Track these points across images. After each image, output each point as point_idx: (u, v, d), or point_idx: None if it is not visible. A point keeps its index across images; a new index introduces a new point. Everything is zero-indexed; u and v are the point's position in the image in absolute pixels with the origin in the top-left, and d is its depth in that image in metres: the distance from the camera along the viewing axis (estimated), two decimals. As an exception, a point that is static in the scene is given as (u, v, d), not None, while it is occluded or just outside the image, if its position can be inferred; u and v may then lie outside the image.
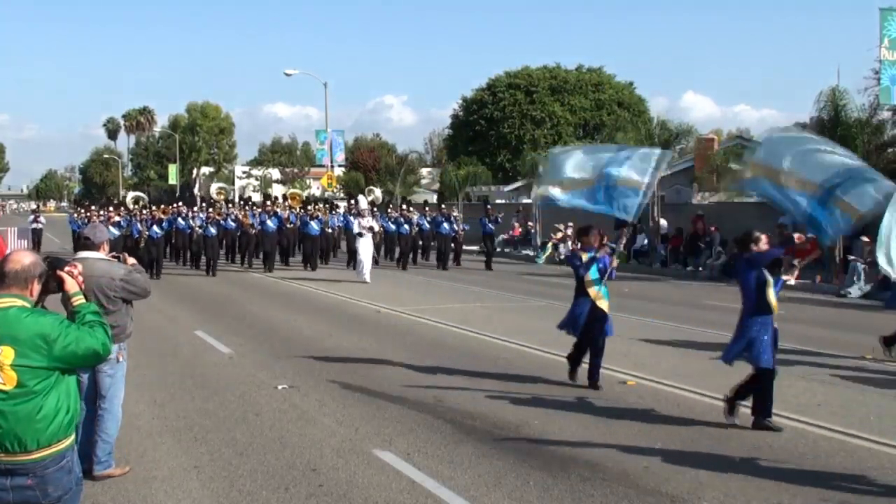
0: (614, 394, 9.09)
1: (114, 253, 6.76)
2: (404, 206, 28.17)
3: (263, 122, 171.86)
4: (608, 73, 58.28)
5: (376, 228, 23.53)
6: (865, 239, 20.35)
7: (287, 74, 42.08)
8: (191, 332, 13.46)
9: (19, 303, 3.73)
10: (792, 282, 22.36)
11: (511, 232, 33.73)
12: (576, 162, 9.90)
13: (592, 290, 9.48)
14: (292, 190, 33.89)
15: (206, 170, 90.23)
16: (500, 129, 54.49)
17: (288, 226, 26.52)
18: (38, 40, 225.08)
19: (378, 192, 33.93)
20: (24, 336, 3.61)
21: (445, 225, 26.63)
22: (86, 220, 26.30)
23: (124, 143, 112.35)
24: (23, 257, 3.83)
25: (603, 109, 55.44)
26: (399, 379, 9.77)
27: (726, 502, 5.86)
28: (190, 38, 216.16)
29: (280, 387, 9.36)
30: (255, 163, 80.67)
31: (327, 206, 29.29)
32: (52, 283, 3.97)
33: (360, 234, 21.82)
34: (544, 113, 54.17)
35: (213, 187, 42.72)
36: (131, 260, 6.65)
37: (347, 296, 18.41)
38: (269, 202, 27.95)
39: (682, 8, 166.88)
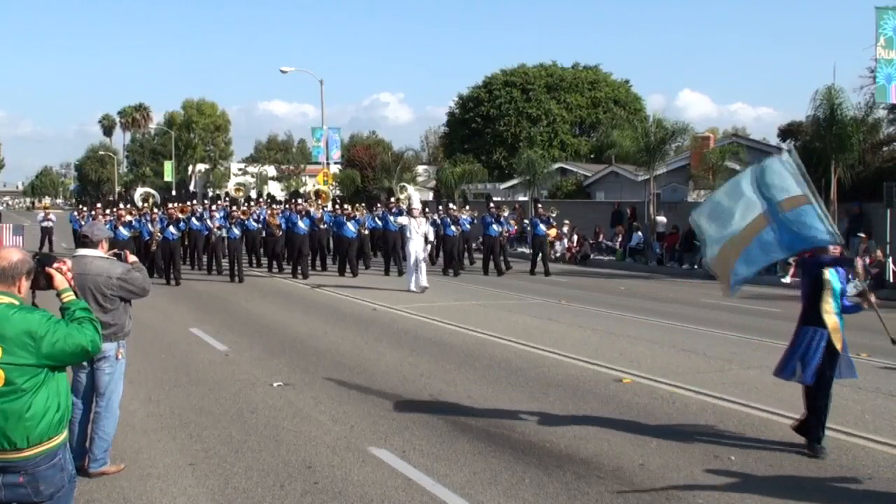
0: (610, 392, 9.09)
1: (115, 250, 6.73)
2: (451, 206, 25.37)
3: (260, 120, 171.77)
4: (604, 72, 58.42)
5: (431, 237, 20.38)
6: (863, 236, 20.42)
7: (283, 72, 42.03)
8: (186, 329, 13.45)
9: (6, 300, 3.71)
10: (787, 280, 22.57)
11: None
12: (722, 211, 7.54)
13: (830, 316, 7.12)
14: (319, 187, 29.49)
15: (201, 167, 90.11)
16: (497, 126, 54.55)
17: (321, 226, 23.72)
18: (35, 37, 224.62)
19: (411, 190, 30.90)
20: (12, 333, 3.60)
21: (495, 226, 23.64)
22: (91, 219, 23.52)
23: (120, 139, 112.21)
24: (10, 254, 3.82)
25: (599, 107, 55.58)
26: (395, 376, 9.77)
27: (721, 500, 5.86)
28: (186, 35, 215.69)
29: (275, 384, 9.35)
30: (251, 160, 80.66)
31: (362, 204, 26.18)
32: (41, 279, 3.96)
33: (410, 237, 19.21)
34: (540, 111, 54.25)
35: (231, 184, 41.37)
36: (132, 258, 6.62)
37: (345, 294, 18.42)
38: (300, 199, 25.08)
39: (679, 6, 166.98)
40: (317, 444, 7.10)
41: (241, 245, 22.12)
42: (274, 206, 25.27)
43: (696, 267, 24.73)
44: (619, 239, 29.23)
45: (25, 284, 3.84)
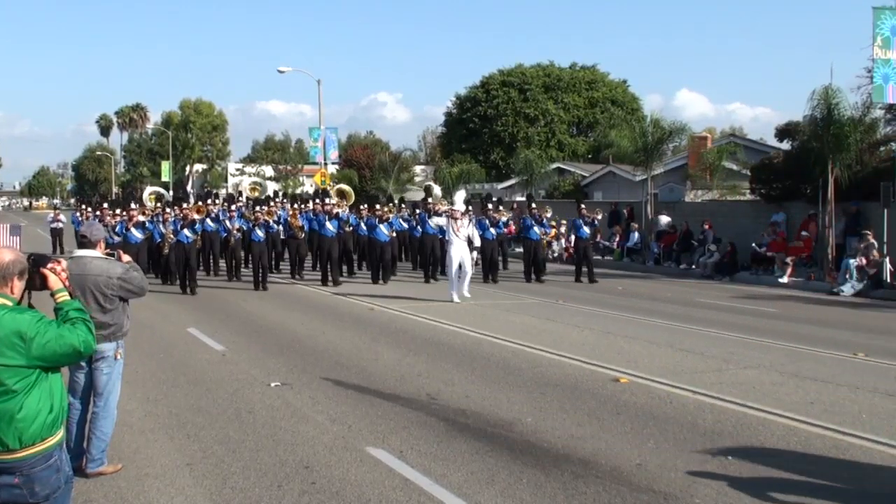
0: (607, 391, 9.09)
1: (108, 250, 6.73)
2: (489, 206, 22.98)
3: (257, 120, 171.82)
4: (602, 72, 58.47)
5: (477, 242, 18.38)
6: (867, 233, 20.45)
7: (281, 72, 41.99)
8: (184, 329, 13.45)
9: None
10: (785, 280, 22.58)
11: (505, 230, 33.50)
12: None
13: None
14: (339, 185, 26.31)
15: (199, 167, 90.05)
16: (494, 126, 54.56)
17: (347, 229, 21.83)
18: (32, 37, 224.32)
19: (437, 190, 28.55)
20: (1, 334, 3.58)
21: (536, 229, 21.76)
22: (97, 220, 21.19)
23: (117, 139, 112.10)
24: (2, 255, 3.79)
25: (596, 107, 55.61)
26: (392, 376, 9.77)
27: (719, 500, 5.86)
28: (183, 35, 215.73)
29: (273, 384, 9.34)
30: (249, 160, 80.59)
31: (392, 204, 23.94)
32: (36, 280, 3.94)
33: (449, 241, 17.42)
34: (538, 111, 54.28)
35: (246, 183, 39.89)
36: (126, 257, 6.63)
37: (342, 294, 18.42)
38: (327, 199, 22.49)
39: (677, 6, 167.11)
40: (314, 444, 7.10)
41: (265, 249, 20.16)
42: (295, 206, 23.42)
43: (693, 267, 24.75)
44: (617, 239, 29.23)
45: (18, 285, 3.81)
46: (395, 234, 22.15)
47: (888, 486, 6.19)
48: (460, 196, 18.71)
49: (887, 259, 19.67)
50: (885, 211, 20.40)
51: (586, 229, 22.25)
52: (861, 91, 24.22)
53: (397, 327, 13.61)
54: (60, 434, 3.79)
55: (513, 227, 26.10)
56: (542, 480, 6.21)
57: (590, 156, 53.52)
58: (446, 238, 17.83)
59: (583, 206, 23.15)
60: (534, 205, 23.05)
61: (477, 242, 18.34)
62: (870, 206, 21.65)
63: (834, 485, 6.19)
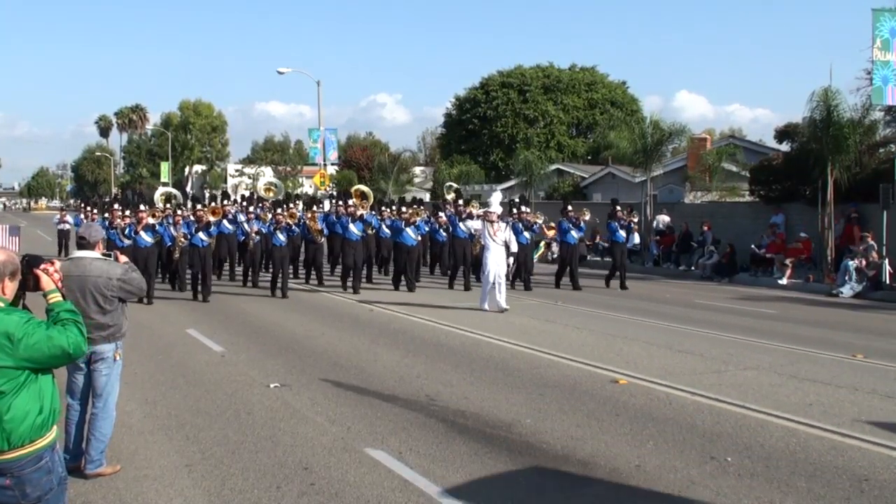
0: (606, 393, 9.09)
1: (104, 251, 6.72)
2: (524, 208, 21.42)
3: (256, 121, 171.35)
4: (601, 73, 58.55)
5: (514, 247, 17.17)
6: (867, 234, 20.46)
7: (280, 73, 42.00)
8: (183, 330, 13.44)
9: None
10: (784, 281, 22.57)
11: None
12: None
13: None
14: (357, 186, 24.44)
15: (198, 168, 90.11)
16: (493, 127, 54.63)
17: (370, 232, 20.53)
18: (31, 38, 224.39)
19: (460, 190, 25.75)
20: None
21: (573, 233, 20.46)
22: (106, 222, 20.06)
23: (117, 140, 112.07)
24: None
25: (596, 109, 55.71)
26: (391, 377, 9.77)
27: (717, 501, 5.86)
28: (183, 36, 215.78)
29: (272, 385, 9.34)
30: (248, 161, 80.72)
31: (418, 206, 22.11)
32: (30, 280, 3.92)
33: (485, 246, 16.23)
34: (537, 112, 54.36)
35: (260, 183, 39.25)
36: (123, 258, 6.63)
37: (341, 295, 18.41)
38: (350, 202, 20.45)
39: (676, 7, 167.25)
40: (313, 446, 7.10)
41: (287, 254, 18.93)
42: (313, 208, 22.00)
43: (692, 268, 24.76)
44: (616, 240, 29.21)
45: (10, 286, 3.77)
46: (420, 238, 20.74)
47: (887, 487, 6.18)
48: (496, 197, 17.22)
49: (886, 261, 19.69)
50: (885, 213, 20.42)
51: (622, 233, 20.71)
52: (860, 93, 24.27)
53: (396, 328, 13.61)
54: (52, 435, 3.76)
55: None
56: (541, 482, 6.21)
57: (589, 157, 53.59)
58: (483, 243, 16.51)
59: (618, 207, 21.43)
60: (570, 207, 21.29)
61: (514, 248, 17.19)
62: (869, 207, 21.67)
63: (833, 487, 6.18)
